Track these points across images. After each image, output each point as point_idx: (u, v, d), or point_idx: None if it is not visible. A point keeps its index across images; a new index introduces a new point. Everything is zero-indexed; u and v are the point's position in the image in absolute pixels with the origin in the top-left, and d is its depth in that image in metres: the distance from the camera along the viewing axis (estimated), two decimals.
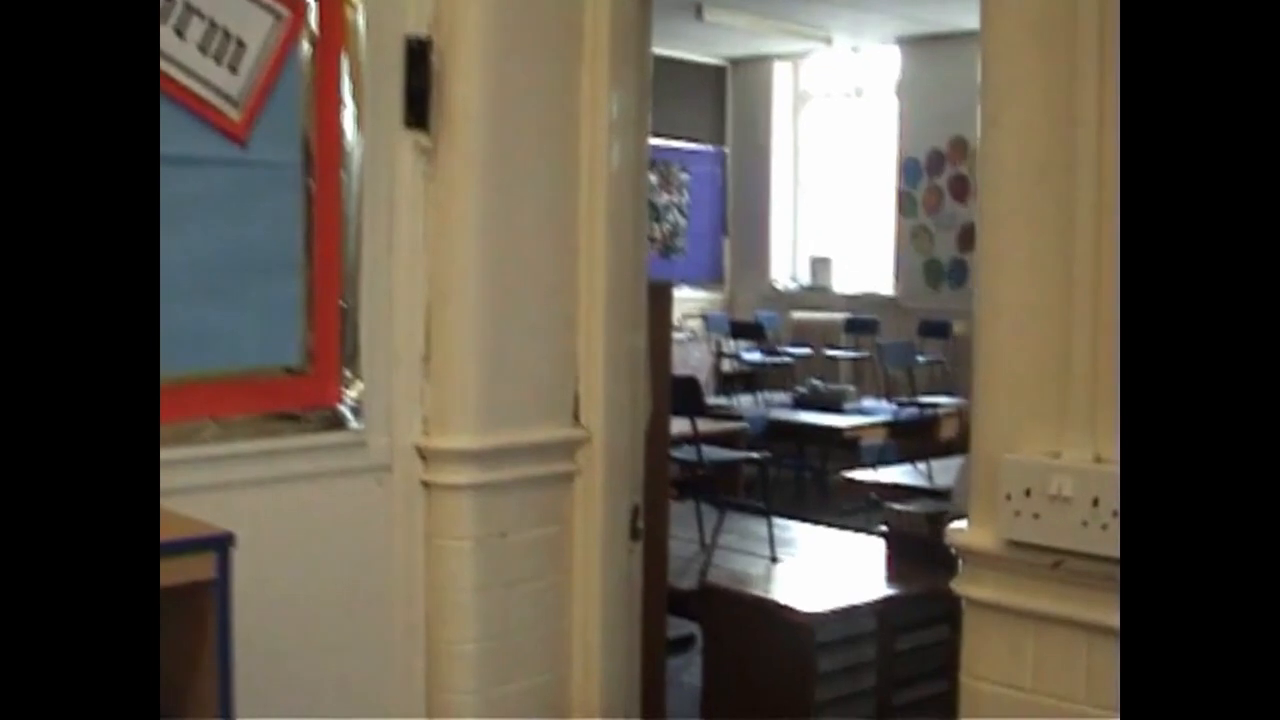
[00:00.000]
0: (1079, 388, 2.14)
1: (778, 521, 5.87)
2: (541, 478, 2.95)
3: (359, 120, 2.81)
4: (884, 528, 5.37)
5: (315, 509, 2.71)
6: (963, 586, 2.33)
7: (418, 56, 2.79)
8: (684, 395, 5.27)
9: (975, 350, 2.41)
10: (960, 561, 2.34)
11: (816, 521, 8.54)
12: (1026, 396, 2.24)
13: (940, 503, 5.44)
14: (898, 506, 5.31)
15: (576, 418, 3.00)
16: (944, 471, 7.34)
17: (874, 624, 4.62)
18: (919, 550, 5.07)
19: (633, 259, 3.06)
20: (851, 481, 7.58)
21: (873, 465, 7.65)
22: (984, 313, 2.39)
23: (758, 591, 4.76)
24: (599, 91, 2.98)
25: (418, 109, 2.82)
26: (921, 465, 7.45)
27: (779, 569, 5.15)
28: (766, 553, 5.30)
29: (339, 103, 2.76)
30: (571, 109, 2.98)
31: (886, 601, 4.68)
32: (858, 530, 7.95)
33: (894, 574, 4.98)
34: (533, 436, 2.94)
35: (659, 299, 3.38)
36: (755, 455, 5.51)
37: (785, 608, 4.51)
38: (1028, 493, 2.15)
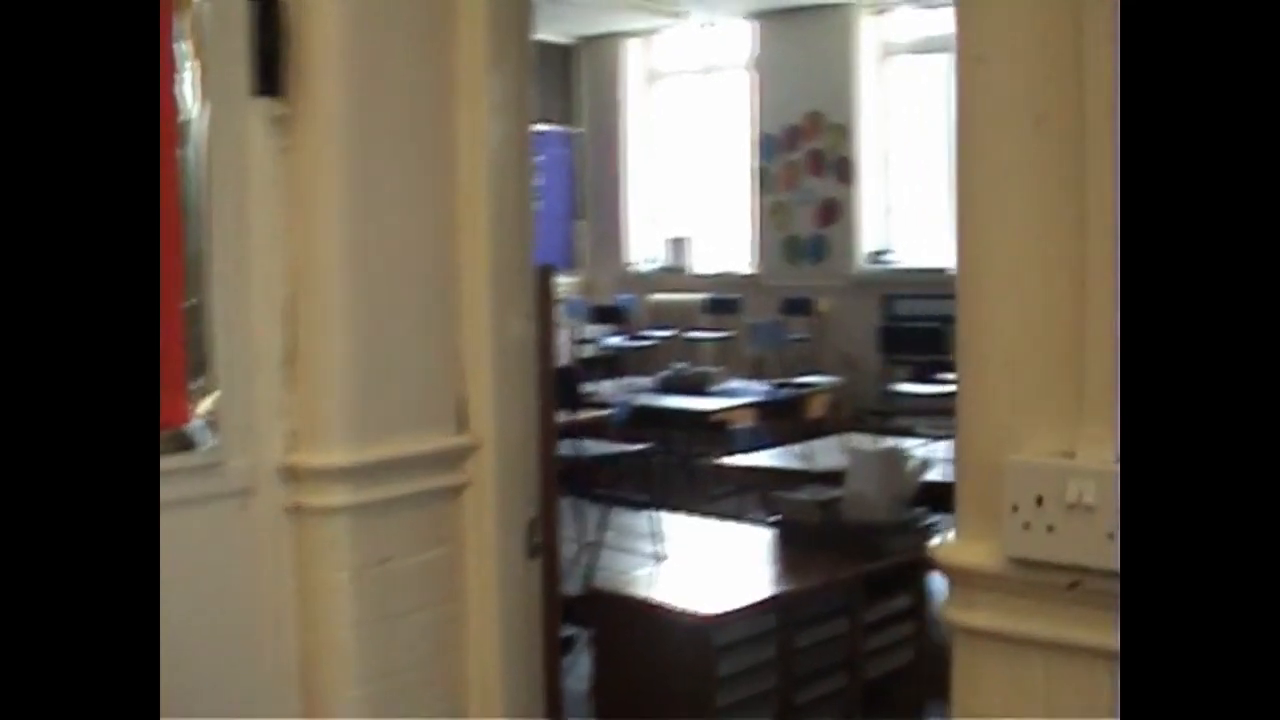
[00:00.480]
0: (1096, 369, 1.78)
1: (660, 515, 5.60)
2: (427, 493, 2.57)
3: (199, 87, 2.40)
4: (773, 517, 5.12)
5: (166, 543, 2.31)
6: (954, 613, 1.99)
7: (266, 11, 2.40)
8: (559, 386, 4.95)
9: (960, 327, 2.04)
10: (949, 584, 2.01)
11: (693, 511, 8.32)
12: (1029, 381, 1.89)
13: (830, 488, 5.20)
14: (788, 495, 5.04)
15: (464, 422, 2.64)
16: (825, 452, 7.13)
17: (773, 621, 4.35)
18: (811, 539, 4.82)
19: (519, 242, 2.71)
20: (725, 468, 7.33)
21: (745, 450, 7.41)
22: (970, 281, 2.02)
23: (649, 594, 4.46)
24: (476, 62, 2.62)
25: (269, 73, 2.41)
26: (797, 447, 7.24)
27: (667, 567, 4.87)
28: (651, 550, 5.02)
29: (173, 68, 2.36)
30: (445, 77, 2.62)
31: (784, 597, 4.42)
32: (735, 518, 7.80)
33: (788, 566, 4.72)
34: (415, 447, 2.55)
35: (542, 284, 3.04)
36: (639, 447, 5.19)
37: (681, 611, 4.21)
38: (1039, 501, 1.82)
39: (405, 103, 2.57)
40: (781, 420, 8.41)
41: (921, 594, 4.87)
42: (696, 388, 9.76)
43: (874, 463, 4.82)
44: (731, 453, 7.93)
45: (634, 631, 4.34)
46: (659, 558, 4.84)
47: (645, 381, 10.04)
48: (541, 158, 12.26)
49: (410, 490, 2.51)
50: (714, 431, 9.20)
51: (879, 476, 4.69)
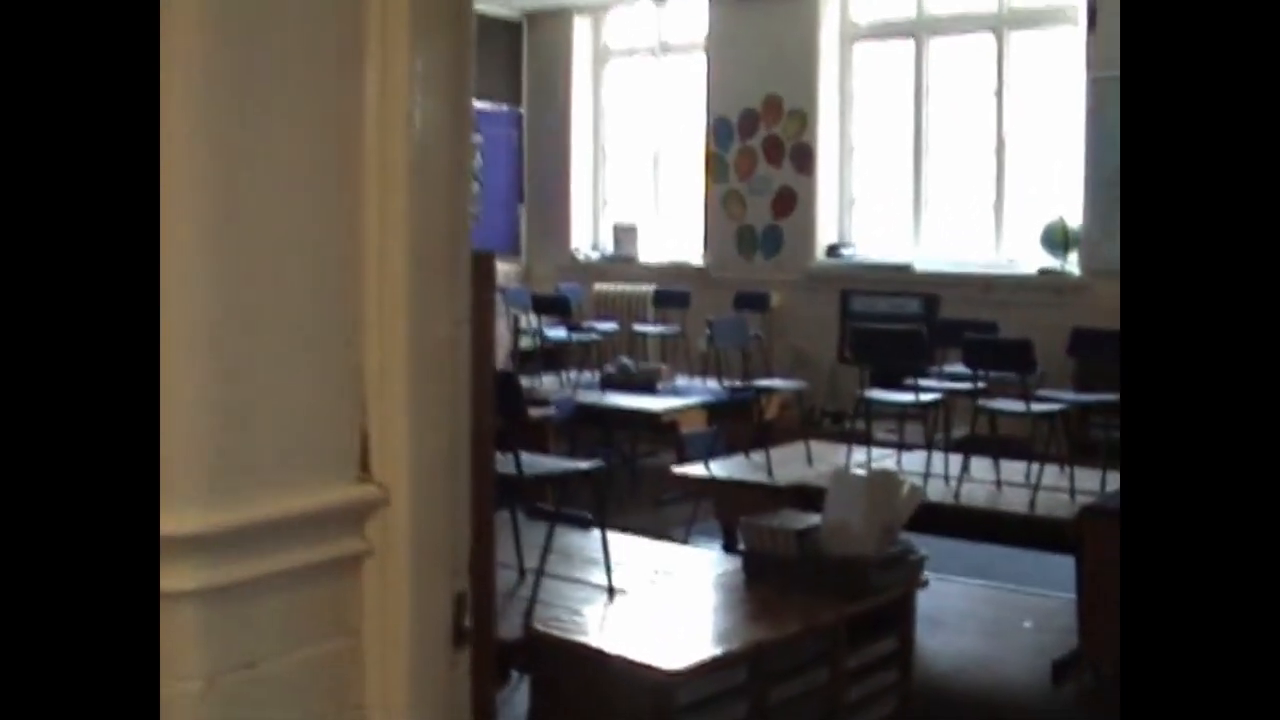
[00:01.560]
0: None
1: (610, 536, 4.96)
2: (313, 568, 1.85)
3: None
4: (740, 547, 4.52)
5: None
6: None
7: None
8: (499, 393, 4.31)
9: None
10: None
11: (641, 521, 7.70)
12: None
13: (803, 515, 4.59)
14: (758, 522, 4.43)
15: (365, 468, 1.94)
16: (782, 464, 6.57)
17: (744, 675, 3.75)
18: (785, 575, 4.22)
19: (448, 233, 2.07)
20: (679, 477, 6.71)
21: (697, 456, 6.81)
22: None
23: (601, 642, 3.83)
24: (397, 28, 1.97)
25: None
26: (756, 456, 6.64)
27: (621, 605, 4.24)
28: (602, 579, 4.39)
29: None
30: (354, 41, 1.96)
31: (756, 648, 3.80)
32: (687, 525, 7.22)
33: (759, 608, 4.11)
34: (296, 504, 1.84)
35: (480, 275, 2.40)
36: (587, 466, 4.54)
37: (639, 664, 3.59)
38: None
39: (297, 67, 1.90)
40: (735, 422, 7.80)
41: (908, 637, 4.28)
42: (644, 385, 9.17)
43: (860, 489, 4.22)
44: (684, 458, 7.33)
45: (583, 685, 3.72)
46: (611, 592, 4.20)
47: (589, 376, 9.45)
48: (481, 138, 11.59)
49: (287, 565, 1.78)
50: (664, 433, 8.62)
51: (866, 504, 4.09)
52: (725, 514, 6.43)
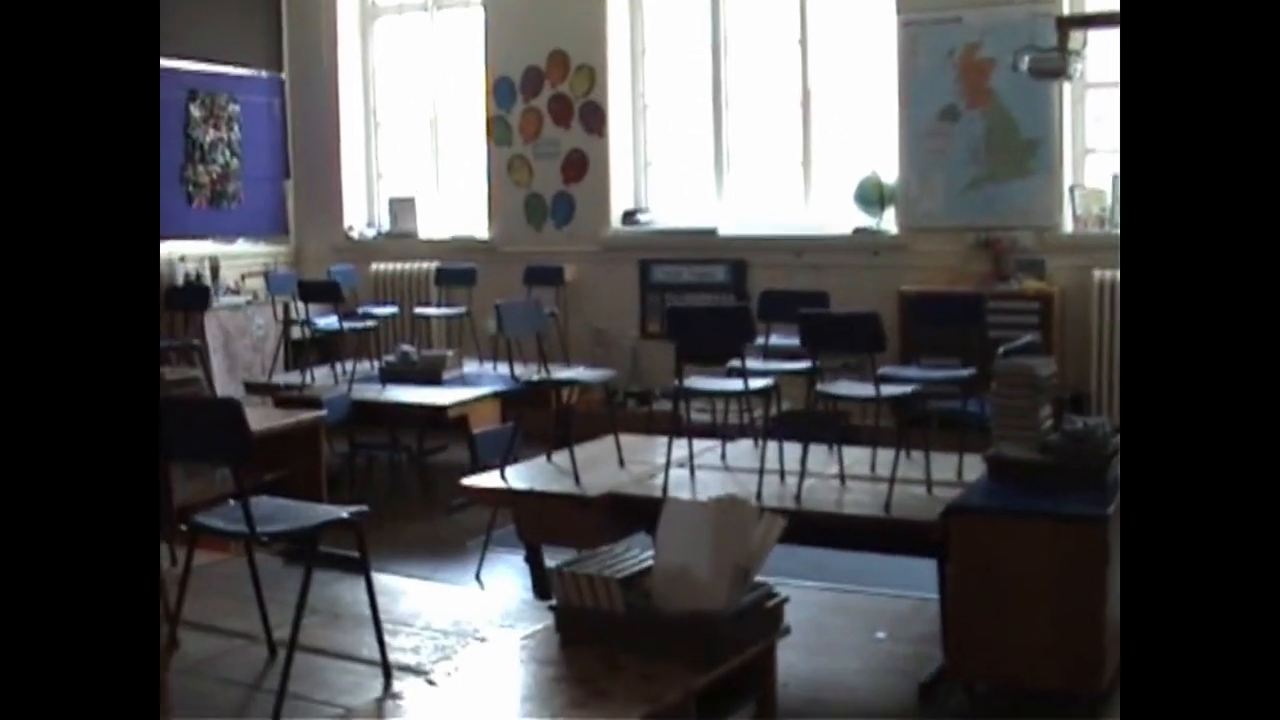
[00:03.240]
0: None
1: (388, 582, 3.98)
2: None
3: None
4: (554, 602, 3.57)
5: None
6: None
7: None
8: (221, 429, 3.27)
9: None
10: None
11: (433, 544, 6.73)
12: None
13: (631, 553, 3.67)
14: (574, 570, 3.49)
15: None
16: (590, 466, 5.66)
17: None
18: (613, 637, 3.30)
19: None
20: (470, 489, 5.74)
21: (494, 461, 5.85)
22: None
23: None
24: None
25: None
26: (560, 457, 5.72)
27: (405, 708, 3.24)
28: (375, 656, 3.41)
29: None
30: None
31: None
32: (483, 544, 6.29)
33: (582, 692, 3.17)
34: None
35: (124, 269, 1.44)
36: (345, 514, 3.51)
37: None
38: None
39: None
40: (533, 411, 6.84)
41: (769, 700, 3.41)
42: (428, 376, 8.18)
43: (702, 523, 3.32)
44: (476, 462, 6.35)
45: None
46: (388, 675, 3.21)
47: (367, 368, 8.41)
48: (239, 107, 10.40)
49: None
50: (453, 428, 7.66)
51: (711, 543, 3.20)
52: (528, 530, 5.51)
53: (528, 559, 5.55)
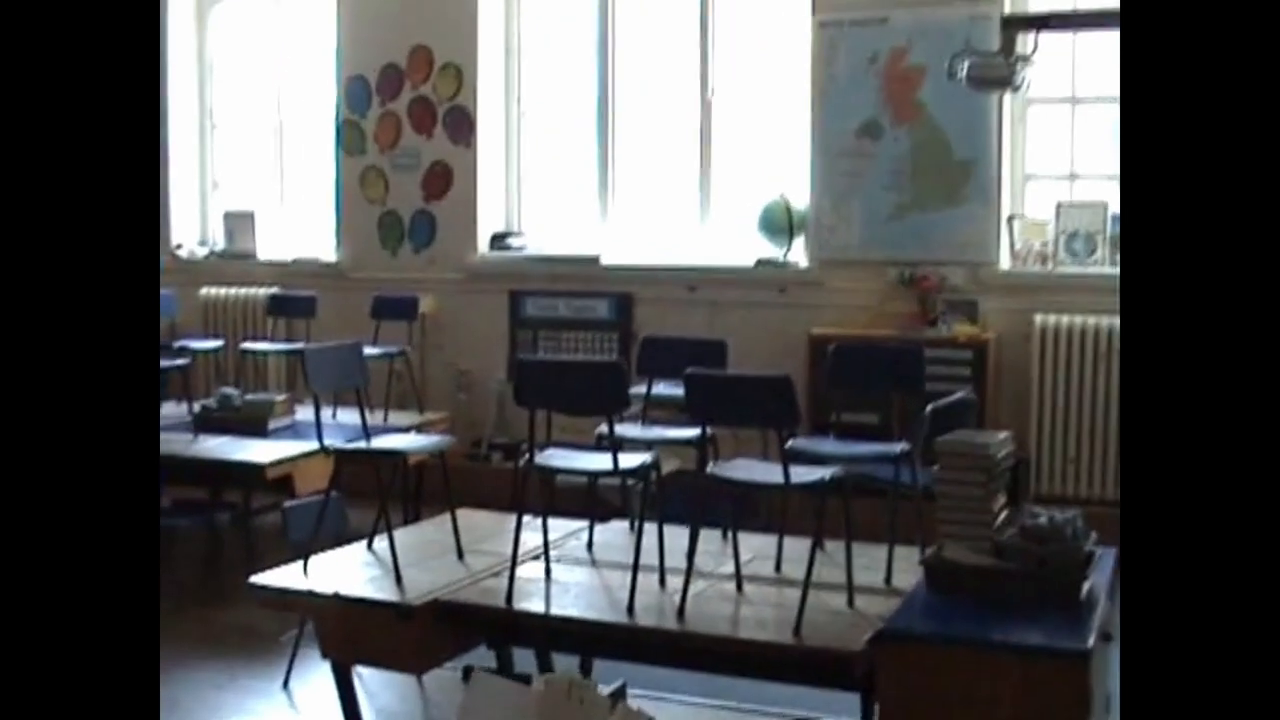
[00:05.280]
0: None
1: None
2: None
3: None
4: None
5: None
6: None
7: None
8: None
9: None
10: None
11: (239, 634, 5.42)
12: None
13: None
14: None
15: None
16: (423, 553, 4.39)
17: None
18: None
19: None
20: (263, 592, 4.39)
21: (304, 542, 4.54)
22: None
23: None
24: None
25: None
26: (383, 543, 4.43)
27: None
28: None
29: None
30: None
31: None
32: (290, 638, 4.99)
33: None
34: None
35: None
36: None
37: None
38: None
39: None
40: (372, 471, 5.52)
41: None
42: (251, 425, 6.83)
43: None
44: (287, 539, 5.01)
45: None
46: None
47: (184, 412, 7.04)
48: None
49: None
50: (276, 491, 6.32)
51: None
52: (332, 645, 4.20)
53: (338, 682, 4.24)
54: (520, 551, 4.23)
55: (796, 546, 4.27)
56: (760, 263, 7.60)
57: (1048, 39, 6.19)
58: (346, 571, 4.32)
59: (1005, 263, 7.13)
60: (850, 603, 3.89)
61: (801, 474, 3.90)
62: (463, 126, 8.28)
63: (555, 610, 3.95)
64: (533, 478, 4.32)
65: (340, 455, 4.93)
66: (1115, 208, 7.02)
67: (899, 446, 4.32)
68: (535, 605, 3.99)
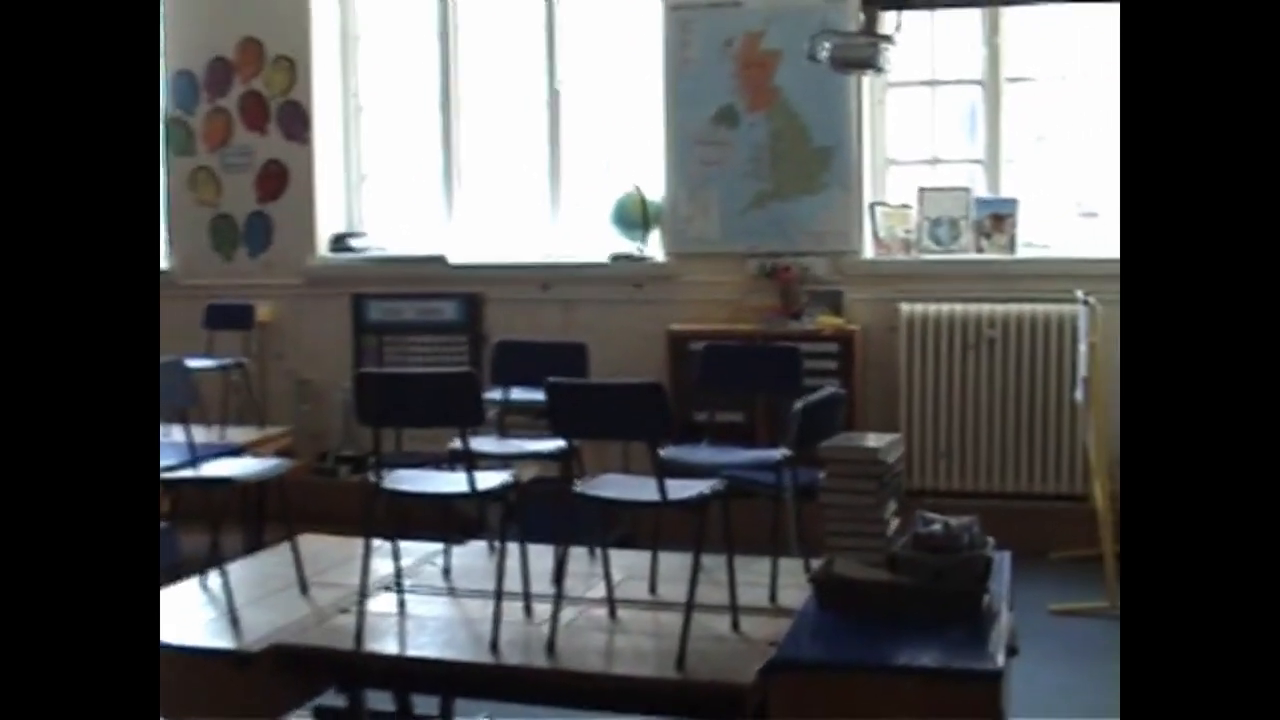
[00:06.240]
0: None
1: None
2: None
3: None
4: None
5: None
6: None
7: None
8: None
9: None
10: None
11: None
12: None
13: None
14: None
15: None
16: (263, 590, 4.00)
17: None
18: None
19: None
20: None
21: None
22: None
23: None
24: None
25: None
26: (218, 580, 4.01)
27: None
28: None
29: None
30: None
31: None
32: None
33: None
34: None
35: None
36: None
37: None
38: None
39: None
40: (200, 499, 5.06)
41: None
42: None
43: None
44: None
45: None
46: None
47: None
48: None
49: None
50: None
51: None
52: (165, 702, 3.75)
53: None
54: (370, 582, 3.86)
55: (672, 563, 3.96)
56: (615, 258, 7.28)
57: (907, 20, 5.98)
58: (176, 615, 3.89)
59: (868, 251, 6.92)
60: (735, 626, 3.59)
61: (679, 489, 3.58)
62: (297, 122, 7.81)
63: (411, 650, 3.59)
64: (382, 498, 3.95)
65: (174, 484, 4.49)
66: (979, 192, 6.86)
67: (779, 453, 4.03)
68: (388, 645, 3.61)
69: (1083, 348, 5.82)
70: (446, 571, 4.26)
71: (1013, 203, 6.79)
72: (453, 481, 3.88)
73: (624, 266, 7.25)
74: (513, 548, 3.88)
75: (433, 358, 7.46)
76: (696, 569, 3.53)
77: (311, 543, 4.43)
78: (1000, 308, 6.55)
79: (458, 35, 7.77)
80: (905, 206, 6.93)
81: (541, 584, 3.80)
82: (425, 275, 7.55)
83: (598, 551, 4.10)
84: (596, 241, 7.39)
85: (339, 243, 7.87)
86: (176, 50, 8.02)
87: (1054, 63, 6.88)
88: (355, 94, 7.99)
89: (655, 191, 7.20)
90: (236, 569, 4.18)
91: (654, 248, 7.28)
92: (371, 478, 3.85)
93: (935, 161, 7.06)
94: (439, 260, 7.57)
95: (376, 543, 4.00)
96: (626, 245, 7.29)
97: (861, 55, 5.74)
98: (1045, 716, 4.30)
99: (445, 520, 4.58)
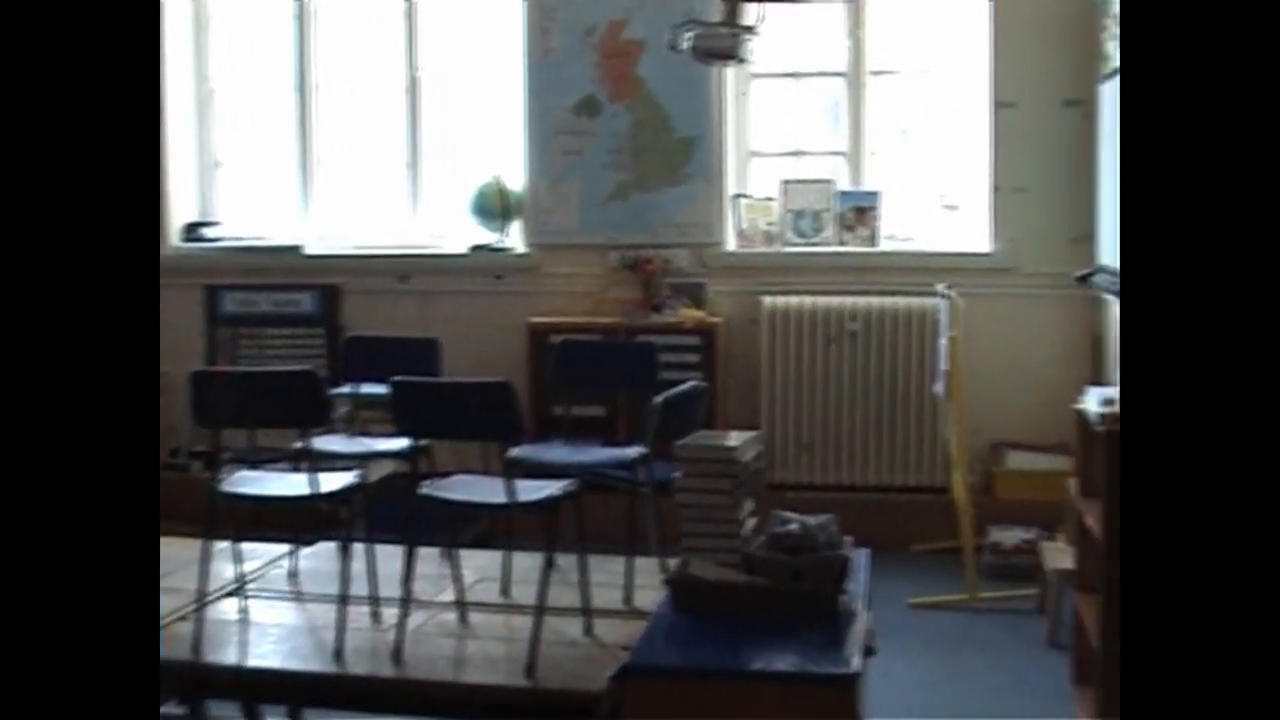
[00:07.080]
0: None
1: None
2: None
3: None
4: None
5: None
6: None
7: None
8: None
9: None
10: None
11: None
12: None
13: None
14: None
15: None
16: None
17: None
18: None
19: None
20: None
21: None
22: None
23: None
24: None
25: None
26: None
27: None
28: None
29: None
30: None
31: None
32: None
33: None
34: None
35: None
36: None
37: None
38: None
39: None
40: None
41: None
42: None
43: None
44: None
45: None
46: None
47: None
48: None
49: None
50: None
51: None
52: None
53: None
54: (212, 588, 3.71)
55: (526, 564, 3.86)
56: (475, 248, 7.15)
57: (770, 12, 5.93)
58: None
59: (731, 243, 6.88)
60: (588, 630, 3.51)
61: (529, 490, 3.49)
62: None
63: (252, 660, 3.45)
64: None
65: None
66: (841, 184, 6.85)
67: (635, 451, 3.95)
68: (228, 655, 3.47)
69: (943, 341, 5.84)
70: (293, 575, 4.11)
71: (875, 195, 6.80)
72: (297, 483, 3.73)
73: (484, 258, 7.13)
74: (360, 549, 3.75)
75: (289, 351, 7.25)
76: (547, 572, 3.44)
77: (163, 545, 4.24)
78: (862, 300, 6.55)
79: (315, 18, 7.56)
80: (768, 199, 6.90)
81: (391, 587, 3.68)
82: (281, 266, 7.35)
83: (448, 552, 3.99)
84: (456, 232, 7.25)
85: (191, 231, 7.62)
86: None
87: (917, 56, 6.90)
88: (207, 77, 7.73)
89: (516, 182, 7.08)
90: None
91: (515, 239, 7.16)
92: (211, 480, 3.69)
93: (798, 154, 7.04)
94: (295, 250, 7.37)
95: (221, 545, 3.84)
96: (487, 236, 7.16)
97: (724, 46, 5.68)
98: (904, 715, 4.30)
99: (297, 519, 4.42)
